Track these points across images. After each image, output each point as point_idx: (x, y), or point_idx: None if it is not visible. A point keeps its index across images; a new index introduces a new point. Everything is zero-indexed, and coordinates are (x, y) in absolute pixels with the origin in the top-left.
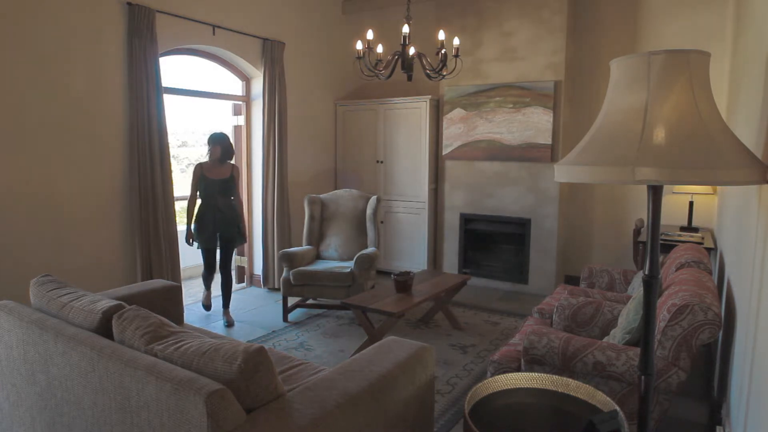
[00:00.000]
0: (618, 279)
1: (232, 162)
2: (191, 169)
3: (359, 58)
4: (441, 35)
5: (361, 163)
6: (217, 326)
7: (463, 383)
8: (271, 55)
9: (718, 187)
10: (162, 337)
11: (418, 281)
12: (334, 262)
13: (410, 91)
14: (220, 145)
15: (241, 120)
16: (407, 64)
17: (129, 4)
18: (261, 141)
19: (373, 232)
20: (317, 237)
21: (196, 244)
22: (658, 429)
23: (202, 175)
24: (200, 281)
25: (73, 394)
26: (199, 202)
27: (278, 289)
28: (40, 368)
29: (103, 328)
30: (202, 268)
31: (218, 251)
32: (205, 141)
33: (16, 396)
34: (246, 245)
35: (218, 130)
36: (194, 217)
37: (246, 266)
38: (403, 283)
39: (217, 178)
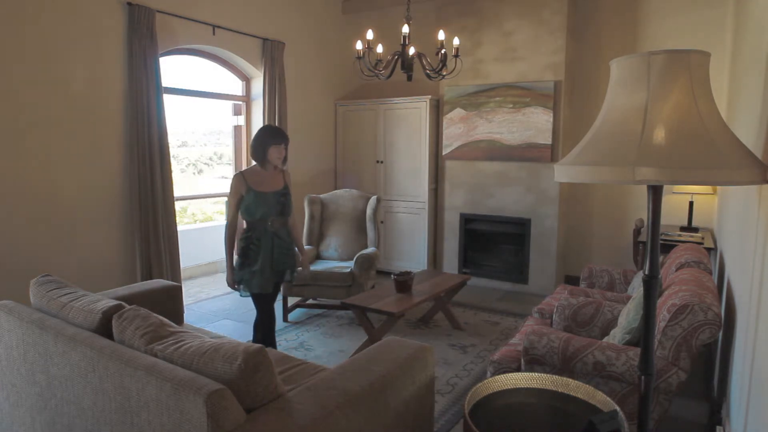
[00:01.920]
0: (618, 279)
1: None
2: (191, 169)
3: (359, 58)
4: (441, 35)
5: (361, 163)
6: (218, 326)
7: (463, 383)
8: (271, 55)
9: (718, 187)
10: (162, 337)
11: (418, 281)
12: (334, 262)
13: (410, 91)
14: (286, 143)
15: (241, 120)
16: (407, 64)
17: (129, 4)
18: None
19: (373, 232)
20: (317, 237)
21: (241, 287)
22: (658, 429)
23: (249, 189)
24: (200, 282)
25: (73, 394)
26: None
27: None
28: (40, 368)
29: (103, 328)
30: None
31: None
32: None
33: (16, 396)
34: None
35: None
36: (238, 251)
37: None
38: (403, 283)
39: (270, 191)
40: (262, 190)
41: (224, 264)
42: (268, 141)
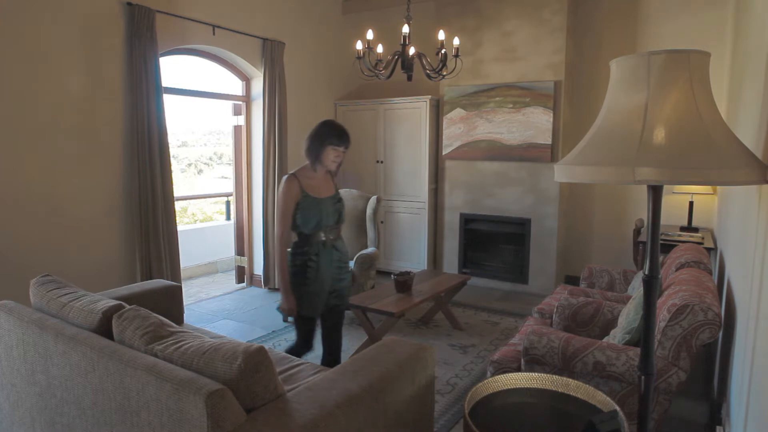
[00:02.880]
0: (618, 279)
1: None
2: (191, 169)
3: (359, 58)
4: (441, 35)
5: (361, 163)
6: (218, 326)
7: (463, 383)
8: (271, 55)
9: (718, 187)
10: (162, 337)
11: (418, 281)
12: None
13: (410, 91)
14: (347, 147)
15: (241, 120)
16: (407, 64)
17: (129, 4)
18: (261, 141)
19: (373, 232)
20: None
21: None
22: (658, 429)
23: (305, 195)
24: (200, 282)
25: (73, 394)
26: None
27: (278, 290)
28: (40, 368)
29: (103, 328)
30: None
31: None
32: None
33: (16, 396)
34: (246, 245)
35: (327, 118)
36: (292, 269)
37: (246, 266)
38: (403, 283)
39: (327, 197)
40: (318, 196)
41: (225, 264)
42: (328, 140)
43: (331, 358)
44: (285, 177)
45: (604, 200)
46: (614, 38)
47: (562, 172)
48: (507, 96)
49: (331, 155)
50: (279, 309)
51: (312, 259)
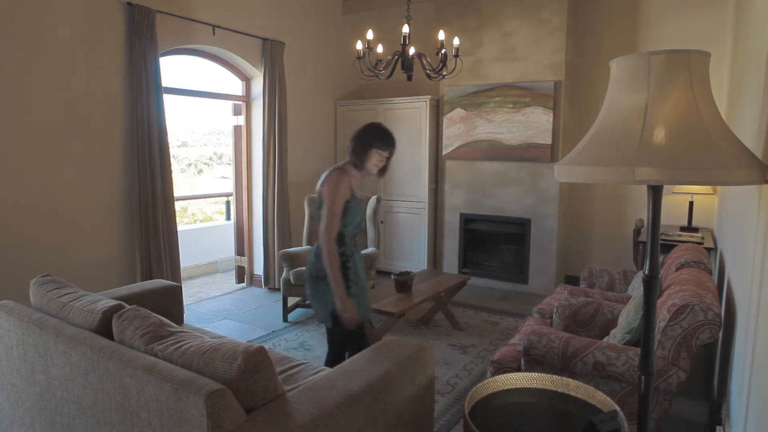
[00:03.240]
0: (618, 279)
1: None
2: (191, 169)
3: (359, 58)
4: (441, 35)
5: None
6: (218, 326)
7: (463, 383)
8: (271, 55)
9: (718, 187)
10: (162, 337)
11: (418, 281)
12: None
13: (410, 91)
14: (392, 152)
15: (241, 120)
16: (407, 64)
17: (129, 4)
18: (261, 141)
19: (373, 232)
20: (317, 238)
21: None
22: (658, 429)
23: (353, 195)
24: (200, 282)
25: (73, 394)
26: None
27: (279, 289)
28: (40, 368)
29: (103, 328)
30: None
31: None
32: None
33: (16, 396)
34: (246, 245)
35: (372, 122)
36: (340, 269)
37: (246, 266)
38: (403, 283)
39: (361, 198)
40: (359, 197)
41: (225, 264)
42: (374, 142)
43: (338, 359)
44: (335, 172)
45: (604, 200)
46: (614, 38)
47: (562, 172)
48: (507, 96)
49: (374, 159)
50: (341, 323)
51: (349, 259)
